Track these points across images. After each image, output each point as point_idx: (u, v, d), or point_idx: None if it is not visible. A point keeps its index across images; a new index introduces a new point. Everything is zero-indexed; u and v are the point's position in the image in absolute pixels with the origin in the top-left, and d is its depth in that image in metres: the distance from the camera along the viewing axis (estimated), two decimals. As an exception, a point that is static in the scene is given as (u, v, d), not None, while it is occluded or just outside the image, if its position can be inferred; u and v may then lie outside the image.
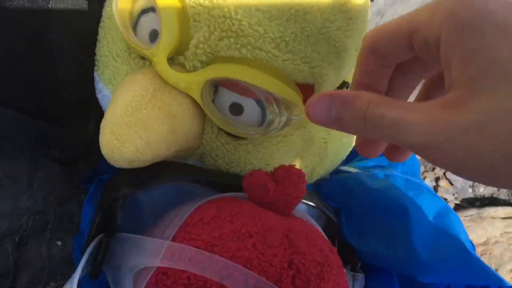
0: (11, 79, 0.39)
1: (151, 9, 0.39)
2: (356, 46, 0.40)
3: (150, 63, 0.39)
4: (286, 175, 0.34)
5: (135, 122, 0.34)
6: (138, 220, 0.38)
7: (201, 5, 0.35)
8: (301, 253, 0.31)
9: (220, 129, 0.40)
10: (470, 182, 0.82)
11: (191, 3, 0.35)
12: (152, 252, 0.31)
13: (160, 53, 0.36)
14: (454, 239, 0.41)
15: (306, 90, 0.38)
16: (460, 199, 0.83)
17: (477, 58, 0.21)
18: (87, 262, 0.33)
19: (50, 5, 0.39)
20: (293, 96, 0.37)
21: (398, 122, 0.23)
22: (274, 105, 0.36)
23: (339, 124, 0.26)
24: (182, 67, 0.37)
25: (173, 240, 0.31)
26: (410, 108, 0.23)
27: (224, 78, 0.35)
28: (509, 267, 0.78)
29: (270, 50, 0.35)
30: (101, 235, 0.35)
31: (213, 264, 0.29)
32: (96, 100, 0.43)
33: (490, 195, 0.85)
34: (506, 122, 0.19)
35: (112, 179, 0.38)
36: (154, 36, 0.39)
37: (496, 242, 0.77)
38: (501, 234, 0.77)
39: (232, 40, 0.35)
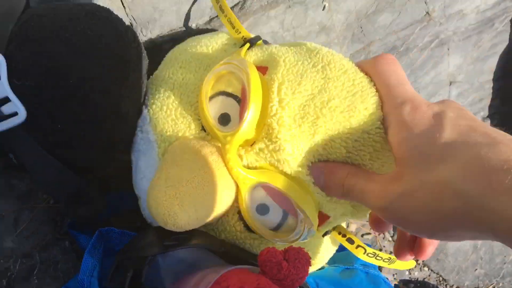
0: (75, 138, 0.42)
1: (232, 95, 0.43)
2: None
3: (211, 138, 0.43)
4: (297, 256, 0.38)
5: (197, 196, 0.38)
6: (156, 281, 0.40)
7: (278, 124, 0.40)
8: None
9: (240, 218, 0.44)
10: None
11: (272, 115, 0.41)
12: None
13: (233, 143, 0.40)
14: None
15: (321, 217, 0.45)
16: (398, 280, 0.98)
17: (406, 144, 0.34)
18: None
19: (128, 79, 0.43)
20: (316, 221, 0.43)
21: (363, 190, 0.37)
22: (298, 223, 0.42)
23: (326, 188, 0.41)
24: (239, 158, 0.42)
25: None
26: (372, 179, 0.37)
27: (277, 189, 0.41)
28: None
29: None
30: None
31: None
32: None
33: (422, 279, 1.01)
34: (422, 189, 0.31)
35: (140, 236, 0.40)
36: (225, 119, 0.43)
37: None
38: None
39: (294, 166, 0.41)
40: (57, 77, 0.39)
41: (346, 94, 0.40)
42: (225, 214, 0.44)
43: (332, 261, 0.62)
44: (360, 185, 0.37)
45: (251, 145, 0.42)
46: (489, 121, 1.00)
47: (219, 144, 0.42)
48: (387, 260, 0.49)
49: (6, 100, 0.39)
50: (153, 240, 0.40)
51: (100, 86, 0.41)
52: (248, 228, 0.45)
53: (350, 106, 0.40)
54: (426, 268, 0.96)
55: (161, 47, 0.61)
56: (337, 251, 0.61)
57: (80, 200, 0.46)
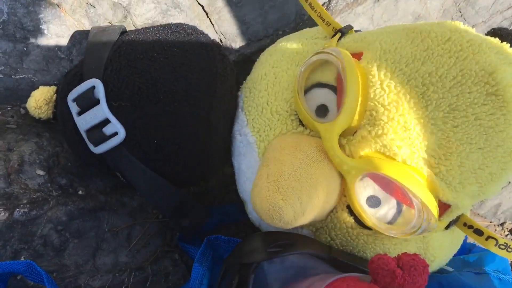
0: (172, 151, 0.43)
1: (328, 85, 0.41)
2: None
3: (310, 132, 0.41)
4: (412, 264, 0.34)
5: (301, 189, 0.36)
6: None
7: (382, 105, 0.38)
8: None
9: (350, 213, 0.41)
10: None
11: (373, 99, 0.38)
12: None
13: (334, 131, 0.38)
14: None
15: (441, 206, 0.40)
16: None
17: None
18: None
19: (216, 90, 0.43)
20: (436, 210, 0.39)
21: None
22: (415, 213, 0.38)
23: None
24: (341, 148, 0.39)
25: None
26: None
27: (387, 178, 0.37)
28: None
29: (434, 165, 0.38)
30: None
31: None
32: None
33: None
34: None
35: (246, 243, 0.40)
36: (322, 110, 0.41)
37: None
38: None
39: (403, 148, 0.37)
40: (148, 94, 0.41)
41: (455, 60, 0.36)
42: (334, 209, 0.41)
43: (460, 266, 0.56)
44: None
45: (354, 134, 0.39)
46: None
47: (319, 137, 0.40)
48: None
49: (107, 121, 0.41)
50: (257, 247, 0.39)
51: (189, 99, 0.42)
52: (360, 223, 0.41)
53: (463, 70, 0.36)
54: None
55: (250, 58, 0.61)
56: (458, 254, 0.55)
57: (183, 212, 0.46)
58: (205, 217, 0.48)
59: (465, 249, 0.61)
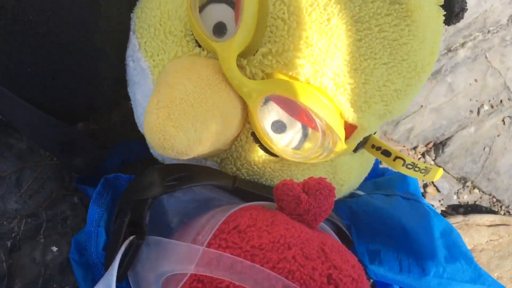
0: (49, 78, 0.38)
1: (225, 0, 0.37)
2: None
3: (207, 53, 0.38)
4: (317, 188, 0.34)
5: (194, 114, 0.32)
6: (162, 224, 0.36)
7: (282, 20, 0.35)
8: (338, 268, 0.30)
9: (255, 140, 0.39)
10: (455, 189, 0.87)
11: (273, 13, 0.35)
12: (185, 258, 0.29)
13: (232, 50, 0.34)
14: (466, 257, 0.43)
15: (347, 128, 0.39)
16: (446, 206, 0.89)
17: None
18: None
19: (100, 9, 0.38)
20: (342, 132, 0.37)
21: None
22: (320, 135, 0.37)
23: None
24: (241, 70, 0.36)
25: (207, 247, 0.30)
26: None
27: (289, 98, 0.35)
28: (495, 274, 0.83)
29: (339, 84, 0.36)
30: (132, 237, 0.32)
31: (254, 274, 0.28)
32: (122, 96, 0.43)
33: (473, 202, 0.90)
34: None
35: (141, 178, 0.36)
36: (219, 29, 0.37)
37: (482, 250, 0.82)
38: (486, 241, 0.82)
39: (306, 66, 0.35)
40: (13, 14, 0.34)
41: None
42: (238, 137, 0.39)
43: (372, 189, 0.56)
44: None
45: (254, 54, 0.36)
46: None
47: (217, 58, 0.36)
48: (423, 171, 0.43)
49: None
50: (153, 181, 0.35)
51: (66, 18, 0.36)
52: (266, 150, 0.39)
53: None
54: (476, 190, 0.88)
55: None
56: (368, 178, 0.55)
57: (73, 151, 0.42)
58: (101, 154, 0.44)
59: (378, 174, 0.62)
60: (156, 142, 0.32)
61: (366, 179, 0.56)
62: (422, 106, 0.80)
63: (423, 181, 0.85)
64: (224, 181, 0.38)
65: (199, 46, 0.38)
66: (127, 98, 0.44)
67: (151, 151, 0.44)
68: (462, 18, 0.40)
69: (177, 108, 0.32)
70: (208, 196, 0.37)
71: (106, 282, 0.28)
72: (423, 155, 0.84)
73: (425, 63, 0.38)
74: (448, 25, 0.39)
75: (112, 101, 0.46)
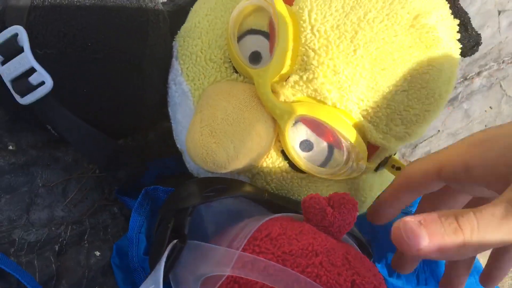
0: (101, 99, 0.42)
1: (261, 32, 0.41)
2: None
3: (244, 79, 0.42)
4: (342, 202, 0.36)
5: (233, 132, 0.36)
6: (200, 232, 0.39)
7: (313, 50, 0.38)
8: (361, 274, 0.33)
9: (285, 157, 0.43)
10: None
11: (304, 44, 0.39)
12: (222, 261, 0.32)
13: (267, 77, 0.39)
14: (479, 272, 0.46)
15: (370, 148, 0.42)
16: None
17: None
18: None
19: (148, 37, 0.42)
20: (365, 152, 0.40)
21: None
22: (345, 154, 0.40)
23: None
24: (275, 94, 0.40)
25: (242, 251, 0.33)
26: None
27: (317, 121, 0.38)
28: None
29: (362, 108, 0.39)
30: (175, 241, 0.36)
31: (285, 276, 0.31)
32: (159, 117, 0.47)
33: None
34: None
35: (181, 189, 0.40)
36: (255, 57, 0.41)
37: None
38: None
39: (333, 91, 0.38)
40: (74, 41, 0.39)
41: (382, 4, 0.37)
42: (269, 154, 0.42)
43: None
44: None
45: (286, 80, 0.40)
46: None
47: (253, 84, 0.40)
48: None
49: (32, 70, 0.39)
50: (193, 192, 0.39)
51: (119, 46, 0.41)
52: (294, 167, 0.43)
53: (389, 14, 0.37)
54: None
55: (185, 9, 0.60)
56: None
57: (118, 164, 0.46)
58: (142, 168, 0.48)
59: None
60: (200, 156, 0.36)
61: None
62: (439, 130, 0.83)
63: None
64: (256, 193, 0.41)
65: (237, 72, 0.42)
66: (163, 118, 0.49)
67: (188, 165, 0.47)
68: (477, 51, 0.44)
69: (218, 127, 0.36)
70: (241, 208, 0.41)
71: (155, 278, 0.31)
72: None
73: (443, 91, 0.41)
74: (464, 57, 0.43)
75: (151, 122, 0.50)
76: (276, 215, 0.38)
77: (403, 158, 0.82)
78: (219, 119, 0.37)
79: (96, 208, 0.50)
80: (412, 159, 0.83)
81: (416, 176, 0.33)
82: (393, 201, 0.37)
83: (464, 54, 0.43)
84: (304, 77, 0.39)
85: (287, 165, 0.43)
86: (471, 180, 0.29)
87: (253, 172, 0.44)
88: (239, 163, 0.37)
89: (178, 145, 0.47)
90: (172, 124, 0.47)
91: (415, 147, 0.82)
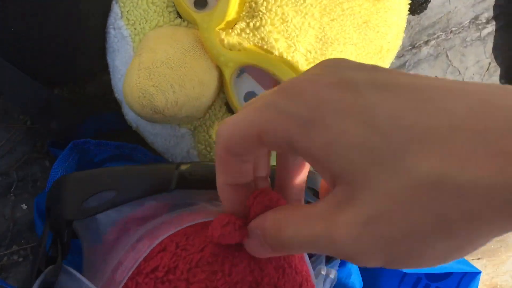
0: (33, 41, 0.39)
1: (207, -26, 0.39)
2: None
3: (188, 24, 0.39)
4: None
5: (173, 77, 0.34)
6: (93, 230, 0.32)
7: None
8: None
9: (228, 109, 0.41)
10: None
11: None
12: None
13: (212, 22, 0.36)
14: None
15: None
16: None
17: (339, 146, 0.19)
18: None
19: None
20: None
21: (300, 243, 0.21)
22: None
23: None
24: (220, 42, 0.38)
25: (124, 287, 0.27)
26: (305, 218, 0.21)
27: (264, 69, 0.37)
28: None
29: (310, 60, 0.38)
30: (48, 268, 0.29)
31: None
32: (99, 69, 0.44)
33: None
34: (400, 203, 0.17)
35: (54, 190, 0.32)
36: (200, 2, 0.39)
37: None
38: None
39: (280, 40, 0.37)
40: None
41: None
42: (212, 106, 0.41)
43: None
44: (293, 235, 0.21)
45: (233, 28, 0.38)
46: (494, 23, 0.94)
47: (197, 29, 0.38)
48: None
49: None
50: (66, 200, 0.31)
51: None
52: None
53: None
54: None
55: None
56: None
57: (51, 114, 0.43)
58: (76, 120, 0.45)
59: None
60: (136, 100, 0.33)
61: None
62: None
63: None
64: (159, 185, 0.32)
65: (180, 17, 0.40)
66: (103, 70, 0.46)
67: (126, 118, 0.45)
68: (425, 8, 0.43)
69: (157, 70, 0.34)
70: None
71: None
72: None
73: (391, 46, 0.41)
74: (413, 14, 0.43)
75: (89, 72, 0.47)
76: (181, 227, 0.29)
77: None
78: (158, 62, 0.34)
79: (25, 160, 0.47)
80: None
81: (235, 139, 0.23)
82: (222, 171, 0.25)
83: (412, 11, 0.43)
84: (251, 24, 0.37)
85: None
86: (299, 158, 0.25)
87: (195, 124, 0.42)
88: (179, 109, 0.35)
89: (116, 95, 0.44)
90: (110, 73, 0.44)
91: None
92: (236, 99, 0.39)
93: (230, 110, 0.41)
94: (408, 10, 0.42)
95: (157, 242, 0.28)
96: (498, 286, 0.70)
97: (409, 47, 0.85)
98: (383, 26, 0.39)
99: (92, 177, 0.32)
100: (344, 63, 0.21)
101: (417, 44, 0.85)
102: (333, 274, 0.34)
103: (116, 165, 0.45)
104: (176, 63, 0.34)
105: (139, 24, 0.40)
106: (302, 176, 0.27)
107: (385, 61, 0.42)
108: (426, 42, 0.86)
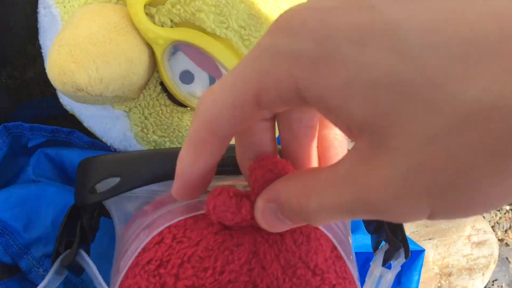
0: None
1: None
2: None
3: (118, 1, 0.38)
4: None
5: (96, 53, 0.33)
6: (121, 208, 0.33)
7: None
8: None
9: (163, 89, 0.40)
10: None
11: None
12: None
13: (139, -4, 0.35)
14: None
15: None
16: None
17: (360, 90, 0.15)
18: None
19: None
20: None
21: (329, 208, 0.18)
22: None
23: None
24: (150, 18, 0.37)
25: (124, 279, 0.27)
26: (327, 181, 0.18)
27: (196, 46, 0.36)
28: None
29: (244, 37, 0.37)
30: (63, 255, 0.30)
31: None
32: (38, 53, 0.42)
33: None
34: (434, 150, 0.14)
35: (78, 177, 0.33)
36: (131, -23, 0.38)
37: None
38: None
39: (212, 17, 0.36)
40: None
41: None
42: (146, 86, 0.39)
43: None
44: (319, 207, 0.18)
45: (164, 4, 0.37)
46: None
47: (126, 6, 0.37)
48: None
49: None
50: (85, 185, 0.32)
51: None
52: (174, 100, 0.40)
53: None
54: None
55: None
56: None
57: None
58: (11, 104, 0.43)
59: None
60: (56, 77, 0.32)
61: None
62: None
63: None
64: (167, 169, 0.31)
65: (111, -7, 0.39)
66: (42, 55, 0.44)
67: (61, 100, 0.43)
68: None
69: (79, 46, 0.32)
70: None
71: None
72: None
73: None
74: None
75: (27, 56, 0.45)
76: (178, 219, 0.28)
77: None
78: (81, 38, 0.33)
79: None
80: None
81: (222, 117, 0.19)
82: (197, 163, 0.21)
83: None
84: (182, 0, 0.36)
85: (166, 97, 0.40)
86: (305, 119, 0.22)
87: (130, 105, 0.41)
88: (104, 87, 0.34)
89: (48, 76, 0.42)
90: (43, 53, 0.42)
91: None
92: (169, 78, 0.38)
93: (166, 90, 0.40)
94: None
95: (155, 232, 0.27)
96: (450, 266, 0.71)
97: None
98: None
99: (97, 163, 0.32)
100: None
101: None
102: (390, 276, 0.30)
103: (52, 150, 0.44)
104: (100, 39, 0.33)
105: (69, 2, 0.39)
106: (312, 142, 0.23)
107: None
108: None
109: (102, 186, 0.31)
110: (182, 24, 0.37)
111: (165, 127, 0.41)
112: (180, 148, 0.22)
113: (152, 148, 0.42)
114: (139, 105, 0.40)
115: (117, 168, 0.31)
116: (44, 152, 0.43)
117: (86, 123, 0.44)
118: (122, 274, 0.27)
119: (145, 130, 0.41)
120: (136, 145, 0.43)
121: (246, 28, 0.37)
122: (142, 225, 0.29)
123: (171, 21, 0.37)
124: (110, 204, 0.32)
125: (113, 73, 0.34)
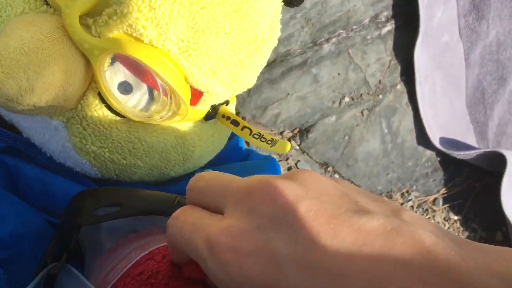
0: None
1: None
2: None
3: (54, 11, 0.38)
4: None
5: (27, 63, 0.32)
6: (96, 242, 0.37)
7: None
8: None
9: (101, 100, 0.40)
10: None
11: None
12: None
13: (75, 7, 0.35)
14: None
15: (195, 93, 0.41)
16: None
17: None
18: None
19: None
20: (185, 96, 0.39)
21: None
22: (166, 98, 0.39)
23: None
24: (87, 29, 0.37)
25: (113, 286, 0.30)
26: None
27: (133, 58, 0.36)
28: None
29: (183, 49, 0.38)
30: (51, 265, 0.33)
31: None
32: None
33: None
34: None
35: (72, 202, 0.38)
36: (66, -13, 0.38)
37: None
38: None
39: (149, 28, 0.36)
40: None
41: None
42: (84, 96, 0.39)
43: (238, 173, 0.59)
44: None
45: (101, 15, 0.37)
46: (393, 22, 0.99)
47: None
48: (270, 142, 0.47)
49: None
50: (82, 208, 0.37)
51: None
52: (112, 110, 0.40)
53: None
54: (337, 175, 0.96)
55: None
56: (233, 161, 0.59)
57: None
58: None
59: (243, 155, 0.65)
60: (-14, 88, 0.31)
61: (232, 161, 0.59)
62: (289, 93, 0.86)
63: (287, 164, 0.91)
64: (159, 207, 0.38)
65: (47, 4, 0.38)
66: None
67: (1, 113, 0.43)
68: (302, 2, 0.44)
69: (9, 56, 0.32)
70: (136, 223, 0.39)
71: None
72: (289, 140, 0.90)
73: (265, 36, 0.41)
74: (289, 6, 0.43)
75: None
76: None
77: (253, 119, 0.84)
78: (11, 48, 0.32)
79: None
80: (262, 121, 0.85)
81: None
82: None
83: (289, 3, 0.44)
84: (118, 11, 0.36)
85: (105, 108, 0.40)
86: None
87: (67, 116, 0.40)
88: (37, 98, 0.33)
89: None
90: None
91: (265, 108, 0.83)
92: (107, 89, 0.38)
93: (104, 101, 0.40)
94: (283, 2, 0.43)
95: (146, 252, 0.32)
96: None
97: (311, 45, 0.87)
98: (255, 16, 0.39)
99: (101, 192, 0.39)
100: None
101: (319, 41, 0.87)
102: None
103: (11, 160, 0.43)
104: (31, 49, 0.33)
105: (5, 12, 0.38)
106: None
107: (262, 50, 0.42)
108: (327, 40, 0.88)
109: (101, 212, 0.37)
110: (120, 35, 0.37)
111: (104, 137, 0.41)
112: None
113: (92, 158, 0.42)
114: (77, 115, 0.40)
115: (115, 195, 0.38)
116: (2, 159, 0.42)
117: (25, 134, 0.43)
118: (111, 284, 0.30)
119: (83, 141, 0.41)
120: (75, 156, 0.42)
121: (185, 40, 0.38)
122: (132, 247, 0.34)
123: (109, 32, 0.37)
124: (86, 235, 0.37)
125: (45, 83, 0.33)
